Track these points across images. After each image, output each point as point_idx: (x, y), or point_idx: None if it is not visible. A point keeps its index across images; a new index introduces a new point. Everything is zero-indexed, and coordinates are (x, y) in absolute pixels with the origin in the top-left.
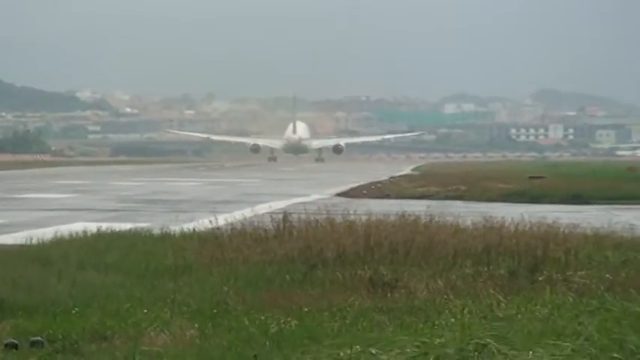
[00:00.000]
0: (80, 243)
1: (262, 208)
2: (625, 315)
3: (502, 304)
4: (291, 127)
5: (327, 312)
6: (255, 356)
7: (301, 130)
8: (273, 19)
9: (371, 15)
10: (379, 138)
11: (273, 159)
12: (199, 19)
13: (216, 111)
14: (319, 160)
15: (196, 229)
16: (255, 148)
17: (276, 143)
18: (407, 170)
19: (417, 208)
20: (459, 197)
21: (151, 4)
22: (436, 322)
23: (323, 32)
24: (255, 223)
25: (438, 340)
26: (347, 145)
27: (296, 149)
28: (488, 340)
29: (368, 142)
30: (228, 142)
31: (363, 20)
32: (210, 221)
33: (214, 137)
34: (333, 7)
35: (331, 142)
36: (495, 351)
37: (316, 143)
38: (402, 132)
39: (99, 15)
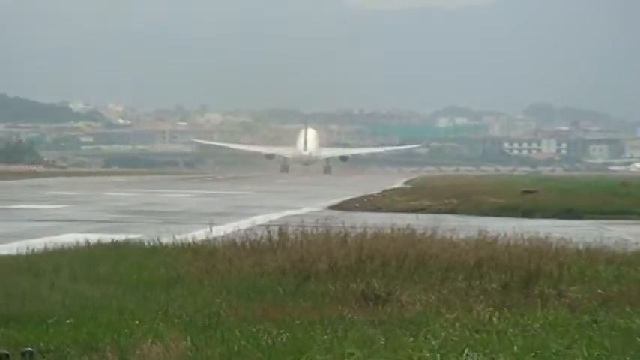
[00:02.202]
0: (72, 254)
1: (255, 221)
2: (616, 330)
3: (494, 319)
4: (302, 139)
5: (319, 325)
6: None
7: (311, 140)
8: (265, 32)
9: (364, 30)
10: (381, 150)
11: (285, 169)
12: (192, 32)
13: (208, 122)
14: (327, 170)
15: (188, 241)
16: (270, 157)
17: (289, 153)
18: (399, 184)
19: (410, 221)
20: (452, 211)
21: (144, 17)
22: (427, 336)
23: (316, 46)
24: (248, 236)
25: (428, 354)
26: (334, 163)
27: (306, 162)
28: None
29: (372, 152)
30: (245, 152)
31: (356, 35)
32: (203, 232)
33: (232, 146)
34: (326, 21)
35: (338, 152)
36: None
37: (325, 154)
38: (397, 145)
39: (92, 27)
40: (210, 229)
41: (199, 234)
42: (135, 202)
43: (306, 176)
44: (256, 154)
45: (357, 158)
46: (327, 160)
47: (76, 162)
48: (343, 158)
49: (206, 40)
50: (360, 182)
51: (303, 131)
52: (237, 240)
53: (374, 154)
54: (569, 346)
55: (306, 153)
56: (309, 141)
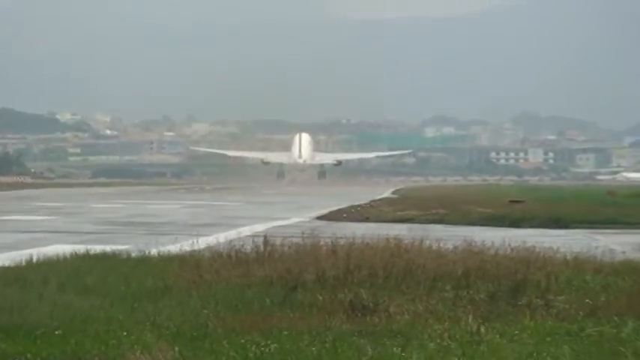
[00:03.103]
0: (60, 265)
1: (243, 231)
2: (602, 340)
3: (482, 329)
4: (296, 144)
5: (307, 335)
6: None
7: (306, 146)
8: (253, 43)
9: (351, 39)
10: (373, 155)
11: (281, 174)
12: (179, 42)
13: (196, 133)
14: (321, 175)
15: (176, 252)
16: (266, 164)
17: (284, 159)
18: (387, 194)
19: (397, 231)
20: (439, 221)
21: (132, 27)
22: (415, 348)
23: (303, 55)
24: (236, 246)
25: None
26: (328, 169)
27: (302, 168)
28: None
29: (363, 158)
30: (243, 158)
31: (344, 45)
32: (191, 243)
33: (230, 153)
34: (312, 32)
35: (331, 157)
36: None
37: (319, 158)
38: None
39: (79, 38)
40: (197, 240)
41: (187, 245)
42: (122, 214)
43: (296, 185)
44: (251, 161)
45: (345, 168)
46: (322, 165)
47: (64, 173)
48: (337, 163)
49: (193, 50)
50: (348, 192)
51: (297, 137)
52: (225, 251)
53: (365, 160)
54: (557, 356)
55: (301, 160)
56: (303, 147)
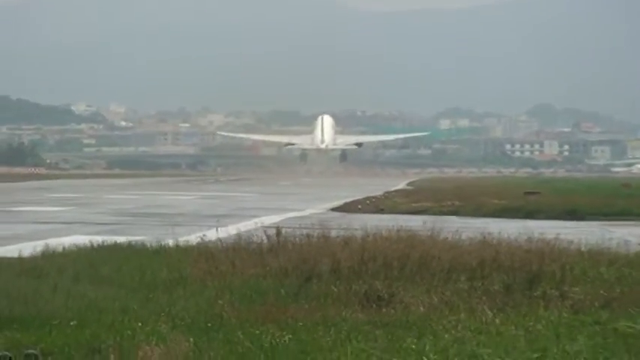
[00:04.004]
0: (75, 256)
1: (257, 223)
2: (617, 331)
3: (497, 320)
4: (319, 127)
5: (322, 326)
6: None
7: (328, 130)
8: (267, 34)
9: (366, 32)
10: (392, 137)
11: (304, 158)
12: (194, 33)
13: (211, 124)
14: (343, 158)
15: (191, 243)
16: (290, 145)
17: (307, 143)
18: (402, 185)
19: (412, 223)
20: (454, 213)
21: (147, 19)
22: (430, 339)
23: (319, 48)
24: (251, 237)
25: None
26: (350, 152)
27: (324, 152)
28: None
29: (384, 140)
30: (258, 148)
31: (358, 36)
32: (205, 235)
33: (254, 137)
34: (327, 23)
35: (352, 139)
36: None
37: (340, 141)
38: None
39: (95, 28)
40: (217, 230)
41: (202, 236)
42: (137, 205)
43: (311, 176)
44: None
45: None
46: (343, 149)
47: (78, 164)
48: (358, 145)
49: (208, 41)
50: (362, 184)
51: (320, 119)
52: (240, 242)
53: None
54: (572, 347)
55: (323, 146)
56: (326, 130)
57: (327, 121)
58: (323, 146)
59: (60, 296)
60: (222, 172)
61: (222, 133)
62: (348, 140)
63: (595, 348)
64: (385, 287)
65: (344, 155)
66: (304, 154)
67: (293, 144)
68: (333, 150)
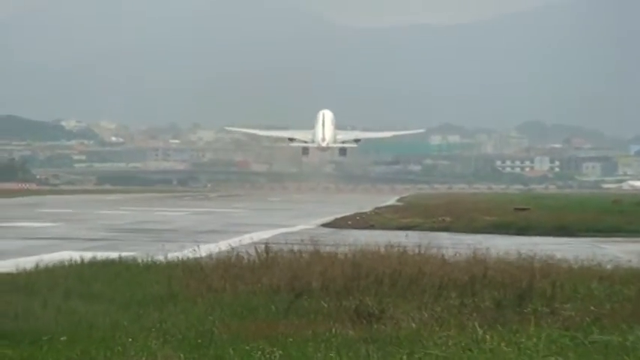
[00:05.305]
0: (66, 272)
1: (247, 238)
2: (608, 348)
3: (488, 336)
4: (320, 122)
5: (312, 342)
6: None
7: (328, 126)
8: (258, 50)
9: (356, 48)
10: (390, 134)
11: (306, 151)
12: (185, 49)
13: (201, 140)
14: (342, 152)
15: (182, 259)
16: (292, 141)
17: (308, 137)
18: (392, 201)
19: (402, 239)
20: (445, 229)
21: (137, 34)
22: (421, 354)
23: (309, 62)
24: (240, 253)
25: None
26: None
27: (324, 149)
28: None
29: (381, 137)
30: (268, 137)
31: (349, 52)
32: (195, 250)
33: (261, 133)
34: (318, 39)
35: (352, 135)
36: None
37: (340, 137)
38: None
39: (85, 45)
40: (216, 246)
41: (192, 252)
42: (128, 220)
43: (302, 192)
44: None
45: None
46: (343, 144)
47: (69, 180)
48: (357, 141)
49: (198, 57)
50: (352, 200)
51: (321, 115)
52: (230, 257)
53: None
54: None
55: (324, 144)
56: (326, 127)
57: (327, 117)
58: (324, 144)
59: (51, 312)
60: (213, 187)
61: (231, 129)
62: (347, 136)
63: None
64: (376, 303)
65: (343, 150)
66: (306, 149)
67: (294, 139)
68: (332, 146)
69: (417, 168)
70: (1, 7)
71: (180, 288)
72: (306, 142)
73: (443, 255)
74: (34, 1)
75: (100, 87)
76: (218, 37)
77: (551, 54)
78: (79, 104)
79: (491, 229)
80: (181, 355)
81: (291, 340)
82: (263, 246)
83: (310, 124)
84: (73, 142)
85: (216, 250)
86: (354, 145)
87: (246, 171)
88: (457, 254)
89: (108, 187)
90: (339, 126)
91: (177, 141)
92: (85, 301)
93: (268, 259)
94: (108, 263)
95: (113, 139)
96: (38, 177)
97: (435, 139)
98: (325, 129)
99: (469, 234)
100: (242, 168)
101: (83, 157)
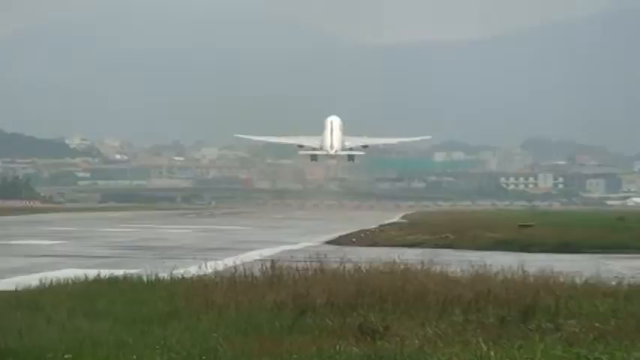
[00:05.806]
0: (70, 289)
1: (252, 256)
2: None
3: (492, 353)
4: (328, 129)
5: (316, 359)
6: None
7: (337, 133)
8: (262, 67)
9: (361, 64)
10: (396, 141)
11: (314, 158)
12: (189, 67)
13: (205, 158)
14: (350, 158)
15: (186, 276)
16: (301, 147)
17: (316, 144)
18: (396, 218)
19: (406, 256)
20: (449, 246)
21: (141, 52)
22: None
23: (312, 79)
24: (245, 270)
25: None
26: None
27: (333, 156)
28: None
29: (388, 144)
30: (277, 143)
31: (353, 69)
32: (201, 268)
33: (270, 139)
34: (322, 55)
35: (359, 141)
36: None
37: (348, 143)
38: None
39: (89, 64)
40: (218, 263)
41: (197, 269)
42: (132, 238)
43: (306, 209)
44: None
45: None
46: (351, 150)
47: (73, 197)
48: (364, 147)
49: (202, 74)
50: (356, 217)
51: (329, 122)
52: (235, 275)
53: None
54: None
55: (332, 151)
56: (335, 134)
57: (335, 124)
58: (332, 152)
59: (55, 329)
60: (217, 205)
61: (241, 136)
62: (355, 142)
63: None
64: (380, 320)
65: (352, 156)
66: (315, 156)
67: (302, 146)
68: (341, 153)
69: (421, 185)
70: (3, 24)
71: (184, 305)
72: (314, 148)
73: (447, 272)
74: (36, 19)
75: (104, 105)
76: (221, 54)
77: (555, 71)
78: (84, 122)
79: (495, 245)
80: None
81: (295, 357)
82: (268, 263)
83: (318, 130)
84: (77, 160)
85: (221, 267)
86: (362, 152)
87: (250, 188)
88: (461, 271)
89: (112, 204)
90: (346, 132)
91: (181, 158)
92: (89, 319)
93: (273, 276)
94: (112, 281)
95: (117, 156)
96: (42, 195)
97: (439, 156)
98: (334, 136)
99: (473, 251)
100: (246, 185)
101: (87, 175)
